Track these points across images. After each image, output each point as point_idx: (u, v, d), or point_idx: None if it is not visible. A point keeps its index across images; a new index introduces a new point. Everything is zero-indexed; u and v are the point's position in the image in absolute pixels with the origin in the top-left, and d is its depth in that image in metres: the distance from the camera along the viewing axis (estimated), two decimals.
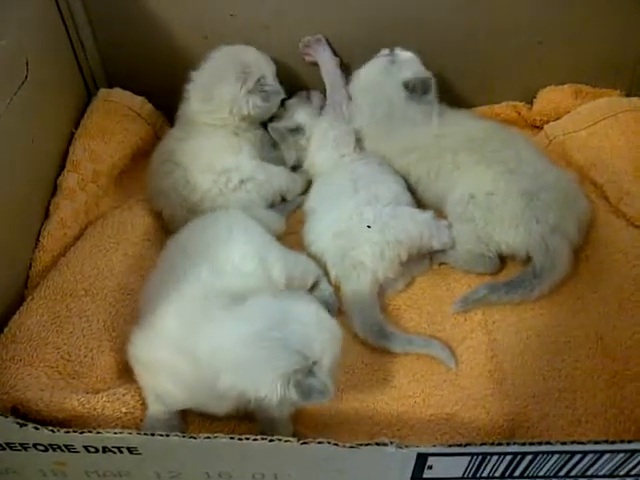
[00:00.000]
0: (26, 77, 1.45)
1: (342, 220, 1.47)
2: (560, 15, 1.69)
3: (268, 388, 1.06)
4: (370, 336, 1.37)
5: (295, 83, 1.75)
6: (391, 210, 1.48)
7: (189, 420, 1.25)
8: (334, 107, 1.67)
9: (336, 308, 1.45)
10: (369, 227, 1.44)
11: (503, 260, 1.50)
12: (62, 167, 1.57)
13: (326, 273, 1.48)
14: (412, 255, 1.45)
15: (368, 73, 1.66)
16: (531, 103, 1.84)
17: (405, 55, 1.64)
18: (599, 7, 1.68)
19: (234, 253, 1.32)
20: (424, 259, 1.51)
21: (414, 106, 1.61)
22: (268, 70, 1.66)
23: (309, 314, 1.13)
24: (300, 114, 1.69)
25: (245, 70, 1.61)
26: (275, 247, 1.42)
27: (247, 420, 1.25)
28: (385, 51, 1.65)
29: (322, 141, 1.65)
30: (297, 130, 1.67)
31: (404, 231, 1.44)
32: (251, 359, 1.08)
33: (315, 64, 1.73)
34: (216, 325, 1.13)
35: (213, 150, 1.60)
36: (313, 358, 1.08)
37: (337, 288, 1.47)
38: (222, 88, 1.61)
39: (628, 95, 1.80)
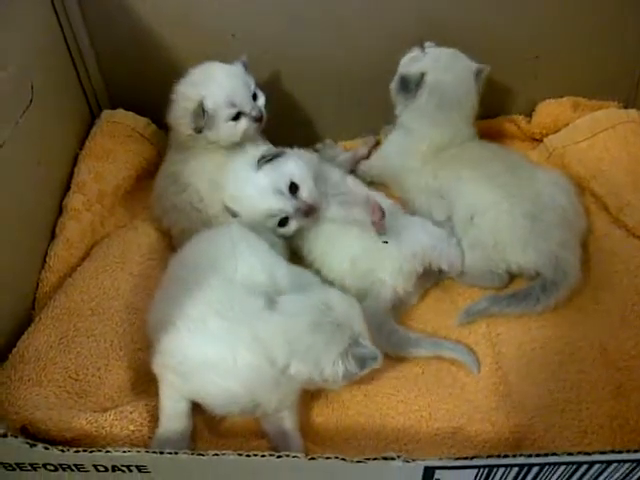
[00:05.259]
0: (31, 101, 1.46)
1: (355, 243, 1.47)
2: (557, 29, 1.71)
3: (332, 367, 1.17)
4: (392, 347, 1.38)
5: (293, 101, 1.78)
6: (401, 219, 1.50)
7: (197, 437, 1.25)
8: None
9: None
10: (386, 242, 1.45)
11: (512, 276, 1.51)
12: (67, 188, 1.59)
13: None
14: (425, 269, 1.46)
15: None
16: (530, 116, 1.85)
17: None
18: (595, 20, 1.70)
19: (242, 265, 1.34)
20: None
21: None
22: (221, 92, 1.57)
23: (337, 297, 1.25)
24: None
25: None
26: (280, 260, 1.44)
27: (255, 436, 1.25)
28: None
29: None
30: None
31: (418, 243, 1.45)
32: (316, 345, 1.17)
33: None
34: (277, 321, 1.20)
35: (218, 169, 1.59)
36: (357, 331, 1.21)
37: None
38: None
39: (626, 107, 1.81)
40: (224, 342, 1.20)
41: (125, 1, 1.67)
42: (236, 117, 1.57)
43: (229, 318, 1.22)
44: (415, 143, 1.62)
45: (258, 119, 1.58)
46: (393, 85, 1.63)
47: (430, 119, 1.61)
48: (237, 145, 1.60)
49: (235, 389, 1.19)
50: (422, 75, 1.58)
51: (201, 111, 1.54)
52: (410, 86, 1.59)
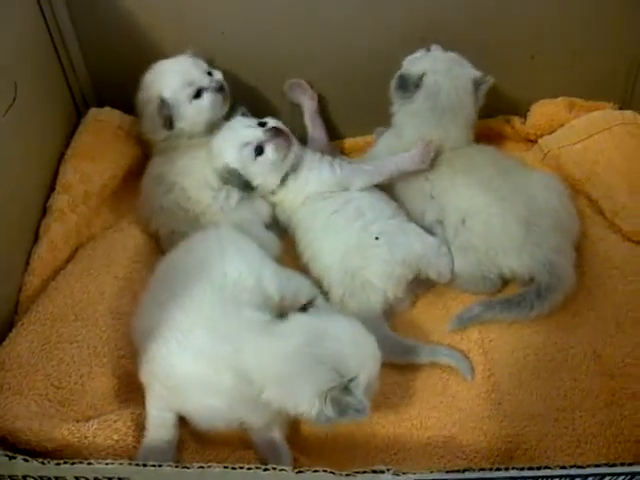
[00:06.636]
0: (14, 99, 1.43)
1: (351, 240, 1.46)
2: (552, 29, 1.69)
3: (307, 404, 1.08)
4: (386, 353, 1.29)
5: (282, 100, 1.77)
6: (397, 224, 1.49)
7: (183, 447, 1.23)
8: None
9: None
10: (377, 239, 1.44)
11: (505, 281, 1.49)
12: (52, 189, 1.56)
13: (325, 294, 1.46)
14: (416, 276, 1.45)
15: None
16: (525, 117, 1.83)
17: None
18: (591, 21, 1.68)
19: (231, 271, 1.32)
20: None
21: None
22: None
23: (345, 331, 1.16)
24: (261, 174, 1.56)
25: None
26: (269, 263, 1.42)
27: (242, 446, 1.23)
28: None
29: (306, 184, 1.58)
30: (251, 187, 1.57)
31: (410, 250, 1.43)
32: (290, 374, 1.11)
33: None
34: (259, 340, 1.16)
35: (203, 167, 1.59)
36: (349, 375, 1.10)
37: (343, 307, 1.45)
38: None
39: (621, 108, 1.80)
40: (208, 357, 1.17)
41: None
42: (198, 95, 1.59)
43: (219, 331, 1.20)
44: (404, 145, 1.59)
45: (219, 89, 1.61)
46: (392, 83, 1.61)
47: (422, 121, 1.58)
48: (218, 126, 1.61)
49: (217, 406, 1.17)
50: (421, 76, 1.57)
51: (162, 103, 1.57)
52: (409, 86, 1.57)
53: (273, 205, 1.63)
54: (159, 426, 1.21)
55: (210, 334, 1.19)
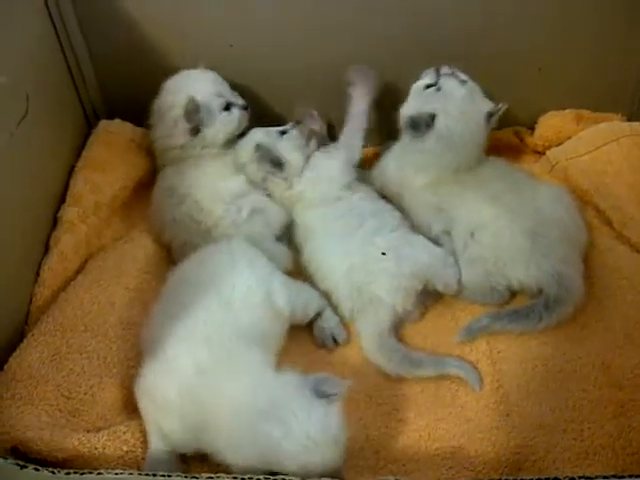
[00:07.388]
0: (26, 111, 1.44)
1: (354, 253, 1.46)
2: (559, 41, 1.70)
3: (231, 460, 1.08)
4: (394, 368, 1.36)
5: (290, 114, 1.76)
6: (402, 236, 1.49)
7: (190, 457, 1.23)
8: (347, 148, 1.66)
9: (344, 337, 1.45)
10: (384, 254, 1.44)
11: (513, 292, 1.49)
12: (62, 200, 1.57)
13: (335, 307, 1.47)
14: (425, 287, 1.45)
15: None
16: (533, 128, 1.83)
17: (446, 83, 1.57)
18: (598, 33, 1.69)
19: (240, 284, 1.32)
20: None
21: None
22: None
23: (305, 417, 1.06)
24: (287, 150, 1.62)
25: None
26: (279, 277, 1.42)
27: None
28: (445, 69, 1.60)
29: (319, 176, 1.62)
30: (280, 165, 1.60)
31: (417, 261, 1.43)
32: (231, 427, 1.09)
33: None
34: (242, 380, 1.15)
35: (214, 179, 1.62)
36: (278, 470, 1.04)
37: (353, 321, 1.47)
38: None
39: (629, 119, 1.80)
40: (184, 389, 1.17)
41: (123, 11, 1.66)
42: (227, 107, 1.64)
43: (201, 364, 1.18)
44: (413, 167, 1.60)
45: (245, 107, 1.68)
46: (402, 121, 1.59)
47: (434, 158, 1.57)
48: (232, 144, 1.66)
49: (182, 435, 1.18)
50: (433, 116, 1.53)
51: (194, 107, 1.59)
52: (420, 127, 1.54)
53: (285, 207, 1.64)
54: (158, 439, 1.20)
55: (190, 362, 1.19)
